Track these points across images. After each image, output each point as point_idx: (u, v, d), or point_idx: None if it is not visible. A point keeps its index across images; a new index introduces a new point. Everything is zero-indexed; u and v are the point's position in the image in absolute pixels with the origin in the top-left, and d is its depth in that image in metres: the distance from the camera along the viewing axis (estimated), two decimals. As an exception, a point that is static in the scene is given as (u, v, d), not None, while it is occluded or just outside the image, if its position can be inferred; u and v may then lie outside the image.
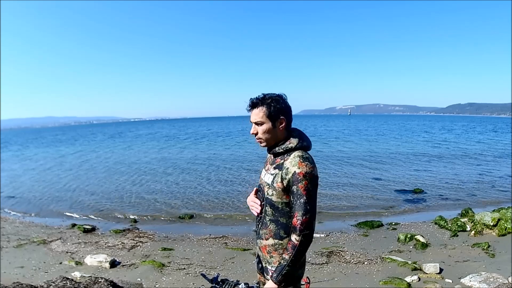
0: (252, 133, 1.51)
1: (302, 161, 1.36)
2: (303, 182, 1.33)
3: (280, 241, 1.45)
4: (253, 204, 1.56)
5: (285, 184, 1.39)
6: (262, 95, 1.48)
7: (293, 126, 1.55)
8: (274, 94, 1.49)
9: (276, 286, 1.38)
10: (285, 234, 1.44)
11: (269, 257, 1.48)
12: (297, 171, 1.35)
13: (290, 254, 1.34)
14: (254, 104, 1.47)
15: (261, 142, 1.51)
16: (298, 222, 1.32)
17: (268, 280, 1.47)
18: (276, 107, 1.43)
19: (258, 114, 1.45)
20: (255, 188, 1.61)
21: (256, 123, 1.47)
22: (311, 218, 1.33)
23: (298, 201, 1.33)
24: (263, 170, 1.57)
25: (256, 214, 1.55)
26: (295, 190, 1.35)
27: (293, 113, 1.53)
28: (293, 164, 1.37)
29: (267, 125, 1.45)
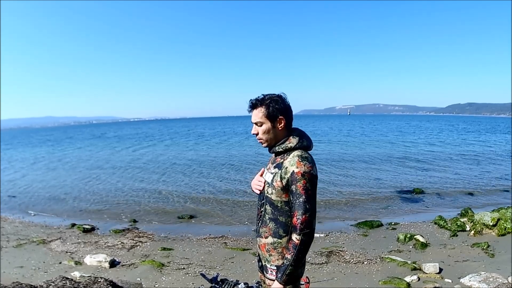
0: (253, 134, 1.53)
1: (300, 160, 1.38)
2: (302, 182, 1.34)
3: (279, 240, 1.46)
4: (257, 183, 1.56)
5: (284, 183, 1.41)
6: (262, 96, 1.51)
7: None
8: (274, 94, 1.51)
9: (282, 286, 1.39)
10: (284, 233, 1.45)
11: (268, 256, 1.49)
12: (295, 170, 1.36)
13: (292, 253, 1.34)
14: (253, 105, 1.50)
15: (262, 143, 1.53)
16: (298, 221, 1.33)
17: (270, 279, 1.48)
18: (274, 107, 1.45)
19: (258, 114, 1.48)
20: (262, 169, 1.62)
21: (256, 124, 1.50)
22: (310, 217, 1.33)
23: (297, 201, 1.34)
24: (265, 169, 1.59)
25: (258, 193, 1.56)
26: (294, 189, 1.36)
27: (293, 112, 1.54)
28: (291, 163, 1.39)
29: (266, 125, 1.47)
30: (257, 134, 1.51)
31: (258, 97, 1.51)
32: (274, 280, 1.45)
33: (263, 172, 1.60)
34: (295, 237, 1.34)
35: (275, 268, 1.46)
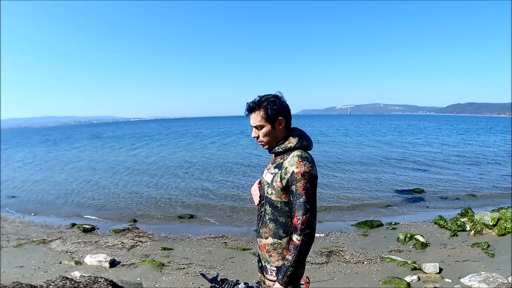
0: (253, 137, 1.51)
1: (300, 160, 1.37)
2: (302, 182, 1.34)
3: (279, 241, 1.45)
4: (255, 194, 1.57)
5: (284, 184, 1.40)
6: (258, 98, 1.48)
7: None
8: (270, 95, 1.48)
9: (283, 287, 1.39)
10: (284, 233, 1.44)
11: (268, 256, 1.49)
12: (295, 170, 1.35)
13: (293, 254, 1.33)
14: (251, 109, 1.47)
15: (263, 145, 1.52)
16: (298, 222, 1.32)
17: (270, 279, 1.48)
18: (273, 108, 1.43)
19: (256, 118, 1.46)
20: (259, 179, 1.62)
21: (256, 127, 1.48)
22: (311, 217, 1.32)
23: (298, 201, 1.34)
24: (265, 169, 1.58)
25: (256, 204, 1.56)
26: (294, 189, 1.35)
27: (293, 112, 1.53)
28: (291, 163, 1.38)
29: (266, 128, 1.46)
30: (257, 137, 1.50)
31: (255, 99, 1.48)
32: (274, 281, 1.44)
33: (259, 182, 1.59)
34: (295, 238, 1.33)
35: (275, 269, 1.46)
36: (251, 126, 1.50)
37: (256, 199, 1.56)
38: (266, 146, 1.52)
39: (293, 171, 1.36)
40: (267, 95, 1.48)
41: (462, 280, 3.70)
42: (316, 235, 5.77)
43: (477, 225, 5.59)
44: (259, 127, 1.47)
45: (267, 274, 1.50)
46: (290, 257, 1.34)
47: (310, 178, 1.35)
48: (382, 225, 6.34)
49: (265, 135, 1.47)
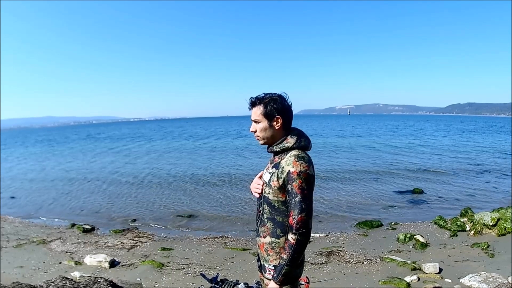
0: (251, 131, 1.55)
1: (296, 160, 1.39)
2: (297, 181, 1.35)
3: (276, 240, 1.46)
4: (256, 186, 1.58)
5: (280, 183, 1.41)
6: (262, 95, 1.52)
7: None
8: (274, 93, 1.52)
9: (278, 286, 1.40)
10: (281, 233, 1.46)
11: (266, 255, 1.50)
12: (291, 170, 1.37)
13: (288, 253, 1.35)
14: (252, 103, 1.52)
15: (258, 140, 1.55)
16: (294, 221, 1.33)
17: (268, 278, 1.49)
18: (272, 106, 1.47)
19: (256, 112, 1.50)
20: (260, 173, 1.64)
21: (255, 121, 1.52)
22: (306, 216, 1.34)
23: (293, 200, 1.35)
24: (265, 169, 1.60)
25: (257, 196, 1.57)
26: (290, 189, 1.37)
27: (293, 113, 1.54)
28: (288, 163, 1.40)
29: (263, 124, 1.49)
30: (255, 132, 1.53)
31: (259, 95, 1.52)
32: (271, 280, 1.45)
33: (261, 175, 1.61)
34: (291, 237, 1.34)
35: (272, 267, 1.47)
36: (251, 120, 1.53)
37: (256, 194, 1.58)
38: (262, 142, 1.55)
39: (289, 170, 1.38)
40: (273, 93, 1.52)
41: (462, 280, 3.70)
42: (316, 235, 5.79)
43: (477, 225, 5.59)
44: (257, 122, 1.51)
45: (265, 272, 1.52)
46: (285, 256, 1.36)
47: (306, 178, 1.37)
48: (382, 225, 6.34)
49: (261, 130, 1.51)
